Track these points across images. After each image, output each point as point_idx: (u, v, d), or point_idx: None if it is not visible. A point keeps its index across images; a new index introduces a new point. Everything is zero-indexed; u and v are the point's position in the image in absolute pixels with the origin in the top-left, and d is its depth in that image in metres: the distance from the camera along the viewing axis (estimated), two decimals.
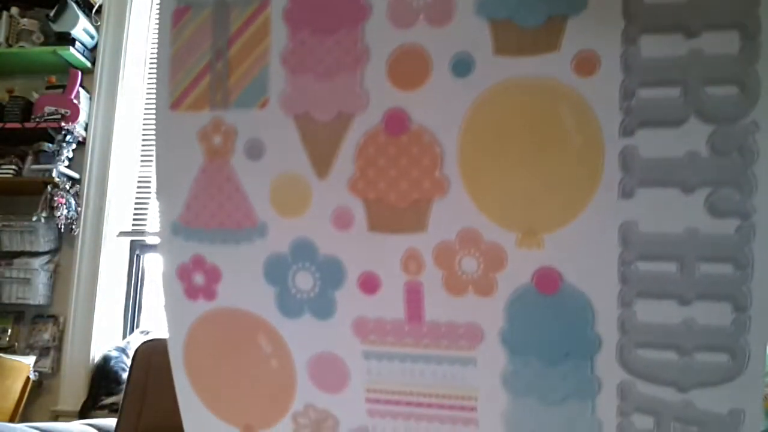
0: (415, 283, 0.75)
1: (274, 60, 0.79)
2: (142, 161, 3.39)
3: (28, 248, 3.19)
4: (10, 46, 3.23)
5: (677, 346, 0.68)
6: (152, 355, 1.95)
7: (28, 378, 2.89)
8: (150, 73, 3.42)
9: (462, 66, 0.72)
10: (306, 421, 0.81)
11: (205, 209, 0.82)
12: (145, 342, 2.05)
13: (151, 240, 3.35)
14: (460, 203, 0.72)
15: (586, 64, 0.68)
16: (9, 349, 3.12)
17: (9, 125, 3.17)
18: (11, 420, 2.81)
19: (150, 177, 3.37)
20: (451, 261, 0.73)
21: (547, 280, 0.71)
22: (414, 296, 0.75)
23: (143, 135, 3.40)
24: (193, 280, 0.83)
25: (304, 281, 0.79)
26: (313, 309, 0.79)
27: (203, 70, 0.82)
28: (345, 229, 0.76)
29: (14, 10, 3.26)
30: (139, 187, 3.38)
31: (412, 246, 0.74)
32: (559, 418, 0.72)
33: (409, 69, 0.74)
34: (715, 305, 0.66)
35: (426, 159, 0.73)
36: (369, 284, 0.76)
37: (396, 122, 0.74)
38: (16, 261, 3.19)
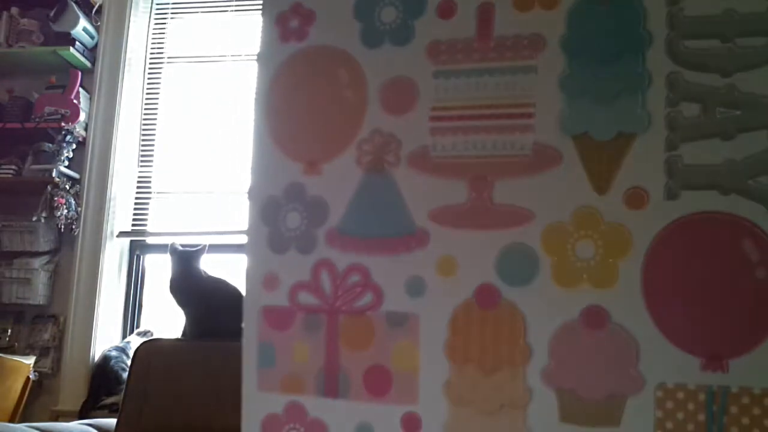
0: (487, 4, 0.87)
1: None
2: (141, 161, 3.39)
3: (28, 248, 3.17)
4: (10, 46, 3.23)
5: (720, 34, 0.77)
6: (152, 355, 1.96)
7: (28, 378, 2.87)
8: (149, 73, 3.42)
9: None
10: (369, 147, 0.89)
11: None
12: (145, 342, 2.05)
13: (151, 240, 3.35)
14: None
15: None
16: (9, 349, 3.09)
17: (9, 125, 3.17)
18: (11, 420, 2.79)
19: (150, 177, 3.37)
20: None
21: None
22: (485, 15, 0.87)
23: (143, 135, 3.40)
24: (288, 25, 0.95)
25: (388, 14, 0.90)
26: (392, 38, 0.90)
27: None
28: None
29: (14, 10, 3.27)
30: (139, 187, 3.38)
31: None
32: (612, 113, 0.80)
33: None
34: None
35: None
36: (446, 10, 0.88)
37: None
38: (16, 261, 3.17)
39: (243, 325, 0.93)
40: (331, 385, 0.87)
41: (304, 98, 0.94)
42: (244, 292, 0.93)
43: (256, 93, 0.96)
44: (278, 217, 0.92)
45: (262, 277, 0.92)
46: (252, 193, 0.94)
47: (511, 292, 0.81)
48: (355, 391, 0.86)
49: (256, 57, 0.98)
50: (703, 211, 0.76)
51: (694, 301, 0.76)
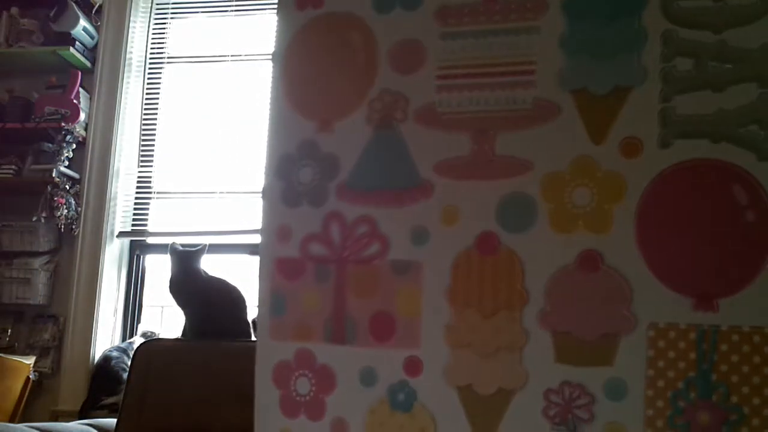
0: None
1: None
2: (141, 161, 3.40)
3: (28, 248, 3.18)
4: (10, 46, 3.25)
5: None
6: (152, 355, 1.96)
7: (28, 378, 2.87)
8: (150, 73, 3.44)
9: None
10: (379, 105, 0.93)
11: None
12: (145, 342, 2.06)
13: (151, 240, 3.35)
14: None
15: None
16: (9, 349, 3.10)
17: (9, 125, 3.18)
18: (11, 420, 2.79)
19: (150, 177, 3.38)
20: None
21: None
22: None
23: (143, 135, 3.41)
24: None
25: None
26: (403, 2, 0.94)
27: None
28: None
29: (14, 10, 3.28)
30: (139, 187, 3.39)
31: None
32: (610, 68, 0.85)
33: None
34: None
35: None
36: None
37: None
38: (16, 261, 3.18)
39: (258, 276, 0.97)
40: (339, 332, 0.90)
41: (319, 61, 0.99)
42: (260, 246, 0.97)
43: (274, 57, 1.00)
44: (292, 172, 0.96)
45: (275, 229, 0.96)
46: (268, 151, 0.98)
47: (510, 239, 0.84)
48: (361, 337, 0.89)
49: (275, 23, 1.03)
50: (695, 158, 0.79)
51: (685, 244, 0.78)
